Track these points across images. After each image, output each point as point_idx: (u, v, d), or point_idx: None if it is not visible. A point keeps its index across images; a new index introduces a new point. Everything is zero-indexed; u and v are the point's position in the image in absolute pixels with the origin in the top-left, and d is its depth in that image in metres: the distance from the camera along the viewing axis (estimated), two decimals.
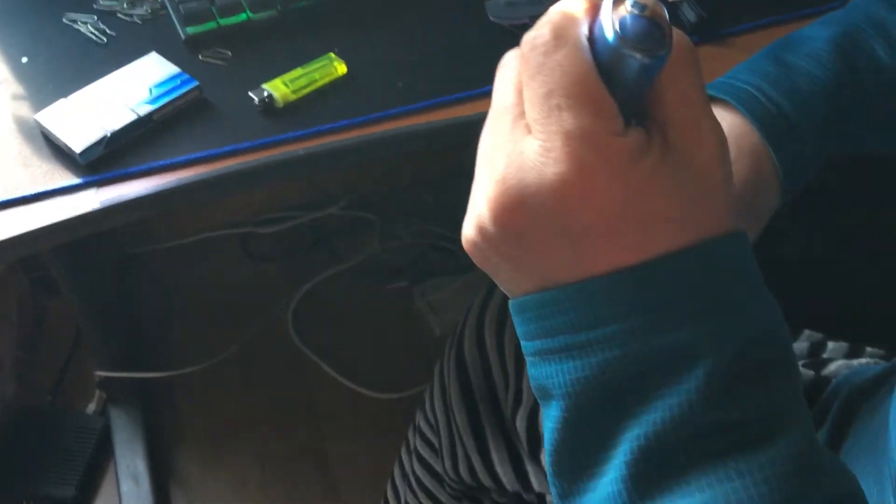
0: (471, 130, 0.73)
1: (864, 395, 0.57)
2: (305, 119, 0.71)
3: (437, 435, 0.85)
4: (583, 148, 0.32)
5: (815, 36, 0.58)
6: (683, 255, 0.32)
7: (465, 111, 0.72)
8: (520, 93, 0.34)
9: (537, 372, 0.35)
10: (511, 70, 0.35)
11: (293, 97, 0.71)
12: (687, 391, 0.32)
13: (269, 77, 0.72)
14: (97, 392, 1.32)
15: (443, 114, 0.72)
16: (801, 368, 0.65)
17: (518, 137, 0.33)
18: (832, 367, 0.66)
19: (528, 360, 0.36)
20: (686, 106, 0.33)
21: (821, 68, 0.56)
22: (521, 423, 0.75)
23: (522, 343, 0.36)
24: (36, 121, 0.69)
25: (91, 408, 1.32)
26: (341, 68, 0.74)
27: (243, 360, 1.40)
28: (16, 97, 0.72)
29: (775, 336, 0.34)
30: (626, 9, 0.32)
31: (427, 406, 0.88)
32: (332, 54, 0.74)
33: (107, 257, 1.44)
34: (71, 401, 1.35)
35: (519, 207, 0.33)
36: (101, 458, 1.29)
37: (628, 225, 0.32)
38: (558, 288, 0.34)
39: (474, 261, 0.36)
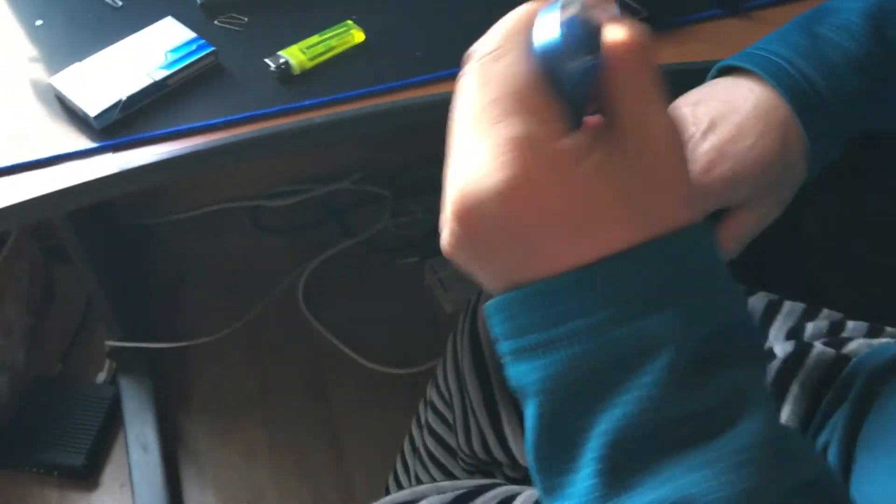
0: None
1: (886, 374, 0.57)
2: (322, 87, 0.70)
3: (451, 409, 0.85)
4: (527, 153, 0.33)
5: (847, 7, 0.57)
6: (636, 252, 0.33)
7: None
8: (474, 101, 0.35)
9: (512, 371, 0.36)
10: (466, 79, 0.36)
11: (310, 64, 0.71)
12: (648, 384, 0.33)
13: (286, 44, 0.71)
14: (107, 361, 1.33)
15: None
16: (822, 347, 0.64)
17: (471, 144, 0.34)
18: (852, 346, 0.66)
19: (504, 360, 0.37)
20: (633, 102, 0.34)
21: (852, 41, 0.55)
22: None
23: (499, 345, 0.37)
24: (51, 84, 0.68)
25: (101, 377, 1.33)
26: (359, 36, 0.73)
27: (253, 332, 1.40)
28: (31, 60, 0.72)
29: (737, 326, 0.35)
30: (564, 14, 0.33)
31: (440, 380, 0.88)
32: (350, 21, 0.73)
33: (118, 227, 1.44)
34: (81, 370, 1.35)
35: (474, 212, 0.34)
36: (110, 427, 1.29)
37: (577, 225, 0.33)
38: (521, 288, 0.35)
39: (454, 264, 0.38)
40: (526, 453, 0.37)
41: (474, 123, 0.35)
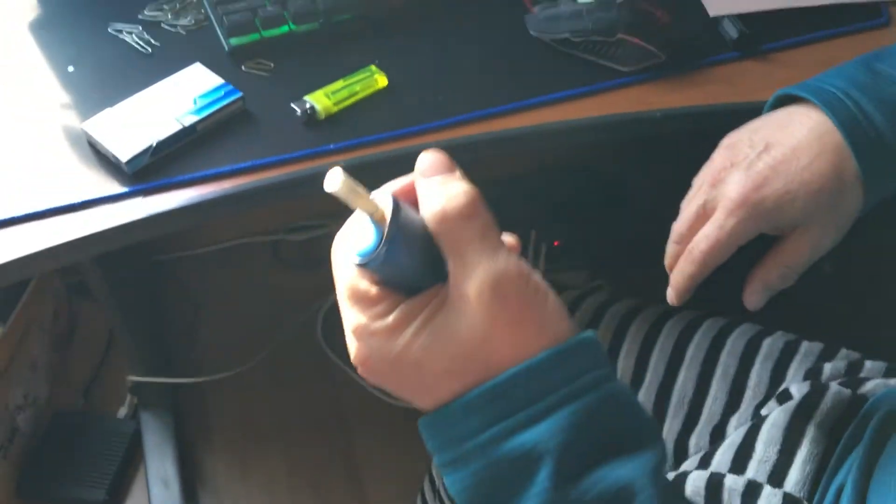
0: (507, 144, 0.74)
1: None
2: (346, 130, 0.71)
3: None
4: (361, 338, 0.40)
5: None
6: (468, 398, 0.39)
7: (503, 125, 0.73)
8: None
9: (445, 481, 0.41)
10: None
11: (335, 109, 0.72)
12: (535, 495, 0.37)
13: (311, 88, 0.73)
14: (129, 396, 1.34)
15: (481, 127, 0.73)
16: (838, 387, 0.64)
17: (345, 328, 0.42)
18: (869, 386, 0.66)
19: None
20: (454, 260, 0.39)
21: None
22: None
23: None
24: (83, 129, 0.70)
25: (122, 412, 1.34)
26: (382, 80, 0.75)
27: (272, 366, 1.41)
28: (63, 106, 0.74)
29: (625, 421, 0.40)
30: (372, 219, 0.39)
31: None
32: (373, 66, 0.75)
33: (139, 263, 1.45)
34: (103, 404, 1.36)
35: (363, 369, 0.41)
36: (131, 461, 1.30)
37: (415, 383, 0.40)
38: (428, 414, 0.41)
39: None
40: None
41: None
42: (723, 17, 0.79)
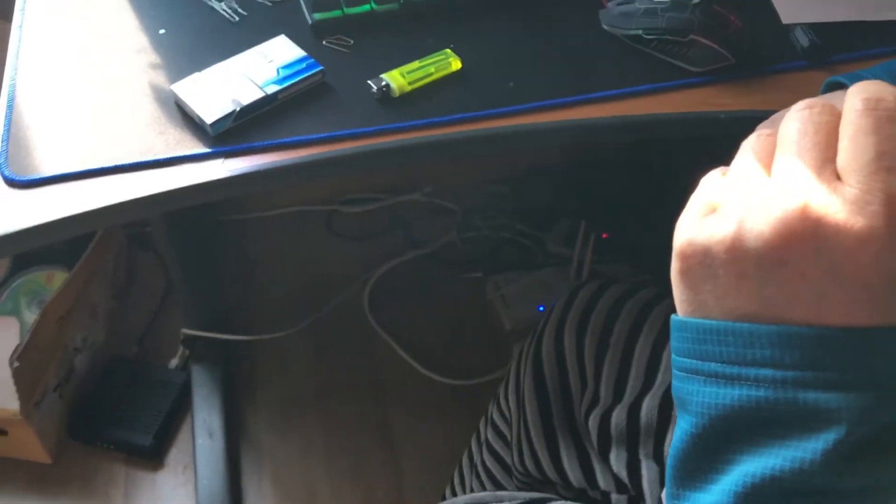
0: (573, 134, 0.76)
1: None
2: (419, 110, 0.74)
3: (510, 427, 0.88)
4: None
5: None
6: (861, 332, 0.34)
7: (570, 115, 0.75)
8: (828, 136, 0.36)
9: (680, 384, 0.38)
10: (819, 115, 0.37)
11: (409, 88, 0.75)
12: (813, 450, 0.34)
13: (388, 67, 0.76)
14: (181, 348, 1.39)
15: (550, 116, 0.75)
16: None
17: (827, 179, 0.34)
18: None
19: (673, 370, 0.39)
20: None
21: None
22: (593, 423, 0.77)
23: (673, 355, 0.39)
24: (171, 90, 0.73)
25: (174, 363, 1.39)
26: (456, 64, 0.77)
27: (319, 331, 1.45)
28: (153, 66, 0.78)
29: None
30: None
31: (501, 399, 0.91)
32: (449, 50, 0.78)
33: (201, 222, 1.50)
34: (156, 354, 1.42)
35: (808, 240, 0.33)
36: (178, 411, 1.35)
37: (886, 294, 0.33)
38: (720, 321, 0.36)
39: (682, 262, 0.38)
40: (667, 455, 0.39)
41: (831, 160, 0.35)
42: (795, 25, 0.80)
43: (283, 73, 0.74)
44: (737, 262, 0.35)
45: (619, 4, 0.80)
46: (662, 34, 0.76)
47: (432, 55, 0.77)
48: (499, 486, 0.93)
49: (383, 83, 0.74)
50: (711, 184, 0.40)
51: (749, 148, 0.39)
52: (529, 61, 0.79)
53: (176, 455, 1.32)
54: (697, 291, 0.37)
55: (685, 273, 0.38)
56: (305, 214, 1.61)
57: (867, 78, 0.58)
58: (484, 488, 0.95)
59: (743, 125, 0.76)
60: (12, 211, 0.66)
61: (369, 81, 0.75)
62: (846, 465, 0.34)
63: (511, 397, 0.88)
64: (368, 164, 0.72)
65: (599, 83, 0.77)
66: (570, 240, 1.51)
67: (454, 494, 1.02)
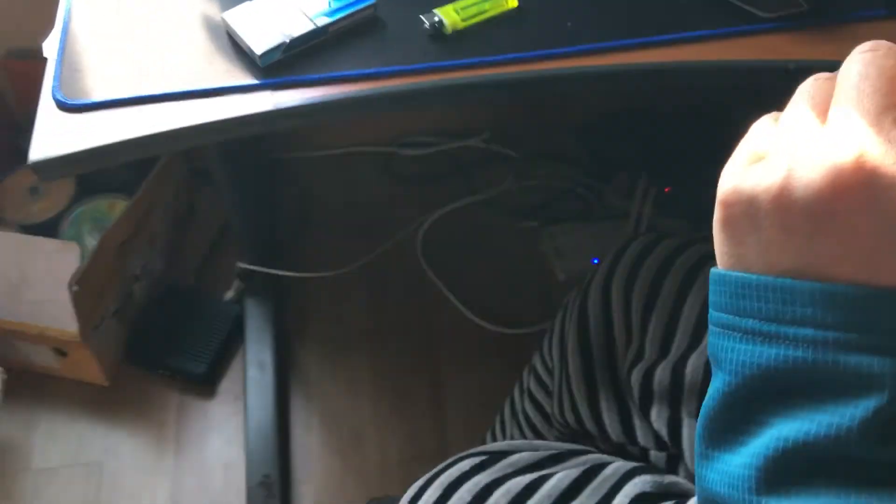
0: (632, 78, 0.73)
1: None
2: (471, 48, 0.72)
3: (552, 378, 0.87)
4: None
5: None
6: (849, 290, 0.32)
7: (630, 58, 0.72)
8: (891, 82, 0.33)
9: (715, 341, 0.36)
10: (884, 58, 0.34)
11: (462, 25, 0.73)
12: (851, 417, 0.32)
13: (441, 2, 0.74)
14: (236, 281, 1.41)
15: (608, 59, 0.72)
16: None
17: (886, 125, 0.32)
18: None
19: (710, 326, 0.37)
20: None
21: None
22: (636, 379, 0.75)
23: (711, 309, 0.37)
24: (223, 19, 0.73)
25: (229, 295, 1.42)
26: (512, 2, 0.75)
27: (371, 273, 1.46)
28: None
29: None
30: None
31: (545, 349, 0.90)
32: None
33: (259, 158, 1.51)
34: (211, 286, 1.45)
35: (862, 190, 0.31)
36: (231, 342, 1.38)
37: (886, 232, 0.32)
38: (761, 276, 0.34)
39: (725, 210, 0.36)
40: (699, 412, 0.38)
41: (892, 107, 0.33)
42: None
43: (334, 5, 0.73)
44: (783, 212, 0.33)
45: None
46: None
47: None
48: (538, 434, 0.93)
49: (436, 18, 0.72)
50: (762, 130, 0.37)
51: (804, 93, 0.36)
52: (589, 1, 0.76)
53: (228, 385, 1.36)
54: (739, 243, 0.36)
55: (728, 222, 0.36)
56: (363, 156, 1.60)
57: None
58: (524, 435, 0.95)
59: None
60: (61, 135, 0.66)
61: (422, 16, 0.73)
62: (885, 434, 0.32)
63: (555, 348, 0.87)
64: (417, 101, 0.70)
65: (662, 26, 0.74)
66: (631, 192, 1.47)
67: (494, 439, 1.03)
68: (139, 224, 1.33)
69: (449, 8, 0.73)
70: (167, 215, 1.44)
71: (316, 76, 0.70)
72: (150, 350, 1.36)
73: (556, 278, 1.46)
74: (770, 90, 0.74)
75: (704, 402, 0.37)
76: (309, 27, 0.71)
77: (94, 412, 1.33)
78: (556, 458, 0.72)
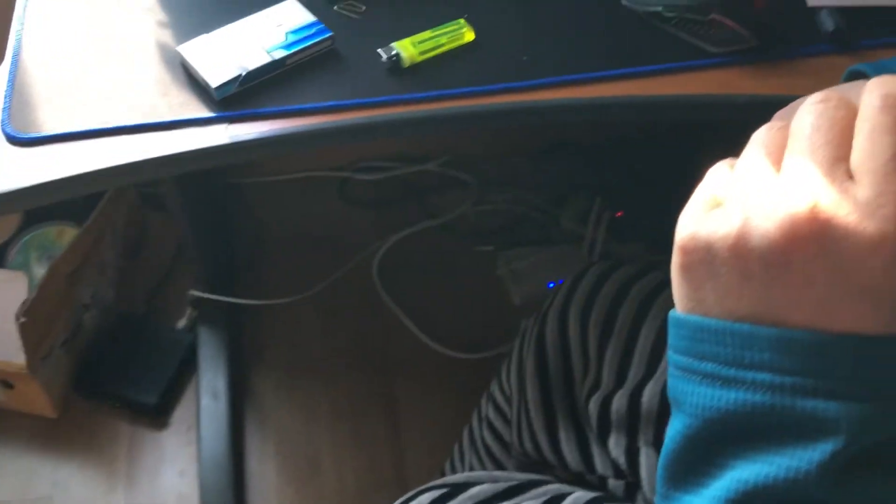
0: (587, 111, 0.74)
1: None
2: (428, 81, 0.73)
3: (511, 406, 0.87)
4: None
5: None
6: (861, 340, 0.32)
7: (585, 92, 0.73)
8: (842, 133, 0.34)
9: (675, 383, 0.37)
10: (834, 109, 0.35)
11: (419, 58, 0.73)
12: (809, 460, 0.32)
13: (399, 36, 0.74)
14: (189, 309, 1.39)
15: (563, 92, 0.73)
16: None
17: (839, 178, 0.33)
18: None
19: (669, 367, 0.37)
20: None
21: None
22: (593, 407, 0.76)
23: (670, 351, 0.37)
24: (178, 52, 0.72)
25: (181, 323, 1.39)
26: (469, 35, 0.75)
27: (327, 299, 1.45)
28: (160, 25, 0.76)
29: None
30: None
31: (503, 376, 0.90)
32: (463, 20, 0.76)
33: (213, 184, 1.50)
34: (164, 314, 1.42)
35: (814, 241, 0.32)
36: (184, 371, 1.36)
37: (894, 302, 0.32)
38: (720, 321, 0.35)
39: (683, 257, 0.36)
40: (660, 455, 0.38)
41: (843, 158, 0.33)
42: (821, 7, 0.77)
43: (291, 38, 0.73)
44: (740, 260, 0.34)
45: None
46: (683, 12, 0.74)
47: (445, 25, 0.75)
48: (497, 463, 0.92)
49: (393, 52, 0.73)
50: (718, 177, 0.38)
51: (758, 141, 0.37)
52: (545, 35, 0.77)
53: (180, 415, 1.33)
54: (698, 288, 0.36)
55: (686, 268, 0.36)
56: (318, 180, 1.60)
57: (892, 69, 0.56)
58: (483, 465, 0.95)
59: (762, 110, 0.74)
60: (12, 169, 0.65)
61: (379, 50, 0.73)
62: (843, 478, 0.32)
63: (513, 376, 0.87)
64: (374, 135, 0.70)
65: (615, 61, 0.75)
66: (585, 217, 1.49)
67: (453, 469, 1.02)
68: (89, 252, 1.31)
69: (406, 42, 0.74)
70: (118, 242, 1.41)
71: (272, 109, 0.70)
72: (101, 381, 1.33)
73: (513, 302, 1.46)
74: (720, 123, 0.76)
75: (665, 444, 0.38)
76: (265, 60, 0.71)
77: (42, 445, 1.29)
78: (517, 490, 0.71)
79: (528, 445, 0.82)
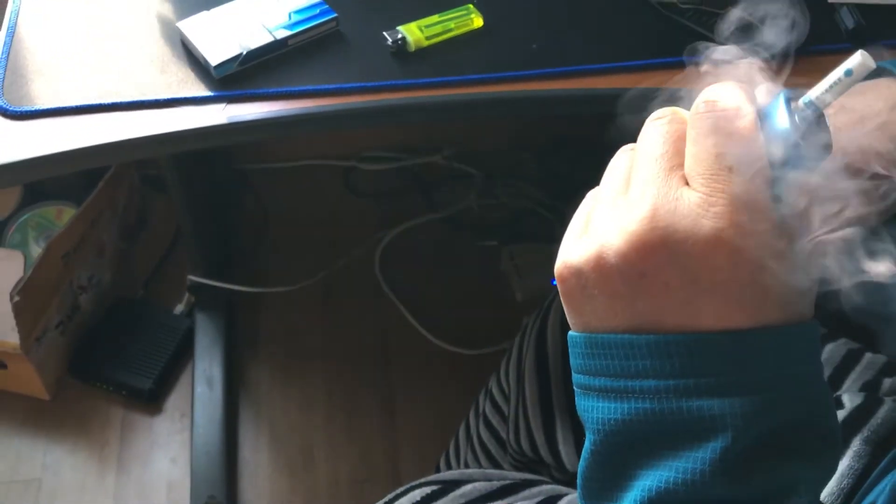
0: (596, 103, 0.72)
1: None
2: (434, 67, 0.71)
3: (509, 403, 0.85)
4: (744, 212, 0.33)
5: None
6: (733, 335, 0.33)
7: (594, 83, 0.71)
8: (675, 144, 0.36)
9: (579, 402, 0.38)
10: (668, 124, 0.37)
11: (426, 43, 0.71)
12: (701, 460, 0.33)
13: (406, 19, 0.72)
14: (187, 295, 1.37)
15: (572, 83, 0.71)
16: (893, 404, 0.62)
17: (673, 185, 0.34)
18: None
19: (574, 388, 0.38)
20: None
21: None
22: None
23: (573, 372, 0.38)
24: (178, 28, 0.70)
25: (179, 308, 1.38)
26: (478, 21, 0.73)
27: (327, 289, 1.43)
28: (161, 0, 0.74)
29: (808, 423, 0.35)
30: (800, 105, 0.34)
31: (502, 373, 0.89)
32: (471, 6, 0.74)
33: (215, 168, 1.48)
34: (161, 298, 1.41)
35: (660, 248, 0.34)
36: (180, 357, 1.34)
37: (749, 293, 0.34)
38: (605, 335, 0.36)
39: (562, 285, 0.37)
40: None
41: (678, 167, 0.35)
42: (841, 4, 0.75)
43: (294, 18, 0.71)
44: (605, 280, 0.35)
45: None
46: (699, 4, 0.72)
47: (454, 10, 0.73)
48: (493, 460, 0.91)
49: (399, 36, 0.71)
50: (585, 204, 0.40)
51: (612, 166, 0.39)
52: (555, 23, 0.75)
53: (174, 401, 1.32)
54: (581, 313, 0.37)
55: (566, 295, 0.38)
56: (323, 169, 1.58)
57: None
58: (478, 461, 0.93)
59: None
60: (4, 142, 0.63)
61: (385, 33, 0.71)
62: (735, 473, 0.33)
63: (512, 372, 0.85)
64: (377, 120, 0.69)
65: (627, 52, 0.73)
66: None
67: (448, 465, 1.01)
68: (87, 233, 1.29)
69: (413, 25, 0.72)
70: (117, 224, 1.39)
71: (273, 90, 0.68)
72: (95, 364, 1.32)
73: (516, 298, 1.44)
74: None
75: (580, 463, 0.38)
76: (267, 39, 0.69)
77: (33, 427, 1.28)
78: (510, 489, 0.70)
79: (525, 443, 0.81)
